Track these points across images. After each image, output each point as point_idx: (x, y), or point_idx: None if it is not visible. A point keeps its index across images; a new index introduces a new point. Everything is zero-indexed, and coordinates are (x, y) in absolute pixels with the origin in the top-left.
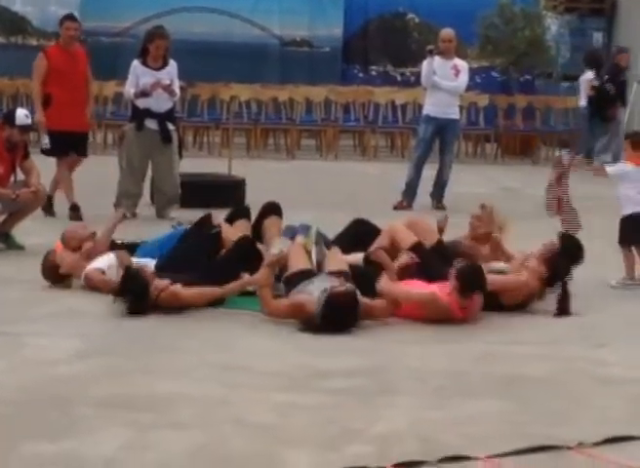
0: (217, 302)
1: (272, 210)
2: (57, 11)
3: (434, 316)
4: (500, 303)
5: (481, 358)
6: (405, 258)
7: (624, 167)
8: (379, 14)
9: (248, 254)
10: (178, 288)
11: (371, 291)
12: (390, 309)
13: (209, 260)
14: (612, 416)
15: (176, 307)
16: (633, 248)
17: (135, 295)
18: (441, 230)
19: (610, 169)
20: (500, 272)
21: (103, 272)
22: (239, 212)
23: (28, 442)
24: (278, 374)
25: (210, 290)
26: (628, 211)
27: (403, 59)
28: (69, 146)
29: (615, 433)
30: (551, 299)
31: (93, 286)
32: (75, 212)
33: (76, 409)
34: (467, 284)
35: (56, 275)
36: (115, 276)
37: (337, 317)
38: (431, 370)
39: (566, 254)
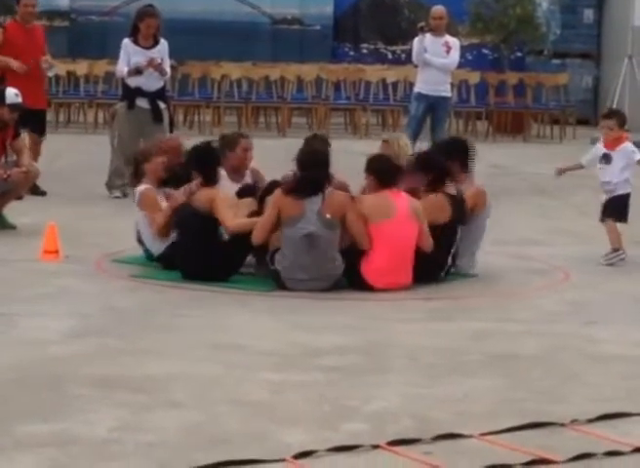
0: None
1: (275, 188)
2: None
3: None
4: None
5: (474, 336)
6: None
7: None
8: None
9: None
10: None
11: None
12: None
13: (211, 240)
14: (605, 393)
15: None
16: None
17: (207, 156)
18: None
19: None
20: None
21: (168, 197)
22: (245, 190)
23: (22, 422)
24: (272, 353)
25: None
26: (620, 191)
27: (394, 37)
28: (25, 124)
29: (608, 410)
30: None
31: (158, 228)
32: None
33: (70, 389)
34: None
35: (138, 176)
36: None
37: (311, 161)
38: (424, 348)
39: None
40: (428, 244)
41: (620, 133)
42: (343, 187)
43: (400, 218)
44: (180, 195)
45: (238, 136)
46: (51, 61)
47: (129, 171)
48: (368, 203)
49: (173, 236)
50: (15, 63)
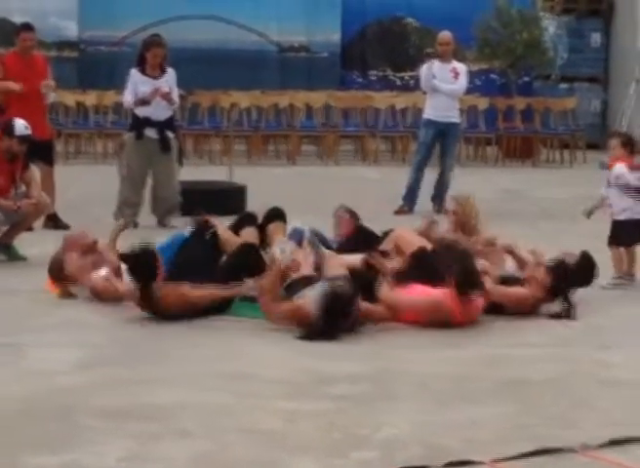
0: (221, 307)
1: (276, 215)
2: (56, 22)
3: (436, 321)
4: (504, 312)
5: (484, 361)
6: (395, 263)
7: (619, 170)
8: (376, 18)
9: (250, 261)
10: (184, 287)
11: (370, 294)
12: (390, 315)
13: (211, 266)
14: (616, 418)
15: (179, 308)
16: (622, 248)
17: (145, 266)
18: (430, 227)
19: (603, 190)
20: (508, 280)
21: (107, 279)
22: (245, 219)
23: (30, 453)
24: (282, 381)
25: (215, 290)
26: (621, 217)
27: (402, 64)
28: (33, 155)
29: (619, 435)
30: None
31: (98, 294)
32: (53, 221)
33: (78, 419)
34: (463, 282)
35: (60, 273)
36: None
37: (333, 313)
38: (434, 375)
39: (580, 273)
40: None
41: (621, 152)
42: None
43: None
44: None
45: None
46: (50, 85)
47: (138, 199)
48: (433, 312)
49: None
50: (14, 85)
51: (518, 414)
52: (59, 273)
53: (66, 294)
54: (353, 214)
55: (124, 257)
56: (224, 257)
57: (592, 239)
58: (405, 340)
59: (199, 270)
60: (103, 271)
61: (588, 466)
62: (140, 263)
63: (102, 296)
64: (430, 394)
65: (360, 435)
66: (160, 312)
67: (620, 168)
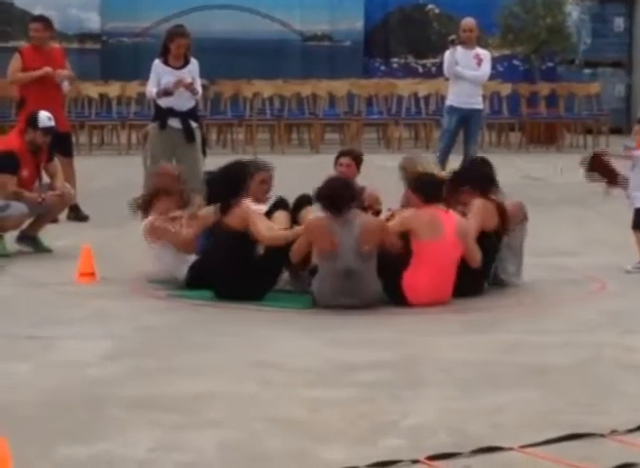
0: (257, 294)
1: (305, 202)
2: (78, 14)
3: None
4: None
5: (508, 348)
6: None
7: None
8: (398, 6)
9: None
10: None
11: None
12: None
13: (245, 258)
14: None
15: (237, 228)
16: None
17: (236, 179)
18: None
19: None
20: None
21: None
22: (278, 204)
23: (61, 444)
24: (307, 370)
25: (275, 227)
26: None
27: (424, 51)
28: (51, 147)
29: None
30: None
31: (157, 231)
32: (75, 212)
33: (108, 410)
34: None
35: (146, 207)
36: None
37: (329, 191)
38: (459, 362)
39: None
40: (477, 260)
41: None
42: (373, 198)
43: (446, 239)
44: (209, 214)
45: (254, 169)
46: (64, 75)
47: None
48: (415, 219)
49: (193, 257)
50: (37, 73)
51: (543, 400)
52: (145, 206)
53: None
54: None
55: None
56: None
57: (616, 224)
58: (427, 327)
59: (232, 262)
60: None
61: (618, 451)
62: (226, 180)
63: (159, 234)
64: (455, 380)
65: (387, 422)
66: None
67: None
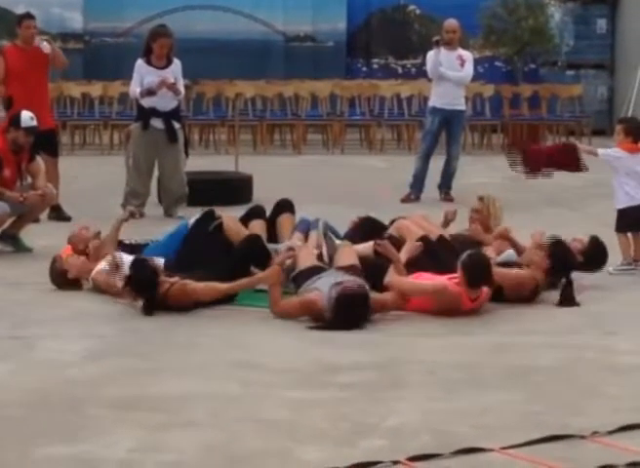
0: (226, 299)
1: (285, 207)
2: (61, 13)
3: (444, 307)
4: (504, 296)
5: (492, 349)
6: (411, 248)
7: (618, 152)
8: (380, 7)
9: (256, 253)
10: (187, 281)
11: (382, 283)
12: (400, 303)
13: (216, 258)
14: (625, 404)
15: (185, 304)
16: (630, 234)
17: (143, 284)
18: (447, 224)
19: (602, 151)
20: (508, 264)
21: (108, 274)
22: (253, 212)
23: (42, 444)
24: (289, 371)
25: (219, 284)
26: (622, 204)
27: (404, 51)
28: (36, 147)
29: (628, 421)
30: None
31: (100, 288)
32: (56, 212)
33: (88, 410)
34: (474, 275)
35: (64, 280)
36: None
37: (348, 316)
38: (442, 363)
39: (590, 258)
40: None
41: (626, 140)
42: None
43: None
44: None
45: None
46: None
47: (144, 190)
48: (435, 296)
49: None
50: None
51: (526, 402)
52: (63, 280)
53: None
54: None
55: (126, 278)
56: (232, 249)
57: (597, 225)
58: (411, 328)
59: (204, 262)
60: (104, 264)
61: (598, 452)
62: (141, 282)
63: (105, 291)
64: (438, 381)
65: (369, 424)
66: (165, 309)
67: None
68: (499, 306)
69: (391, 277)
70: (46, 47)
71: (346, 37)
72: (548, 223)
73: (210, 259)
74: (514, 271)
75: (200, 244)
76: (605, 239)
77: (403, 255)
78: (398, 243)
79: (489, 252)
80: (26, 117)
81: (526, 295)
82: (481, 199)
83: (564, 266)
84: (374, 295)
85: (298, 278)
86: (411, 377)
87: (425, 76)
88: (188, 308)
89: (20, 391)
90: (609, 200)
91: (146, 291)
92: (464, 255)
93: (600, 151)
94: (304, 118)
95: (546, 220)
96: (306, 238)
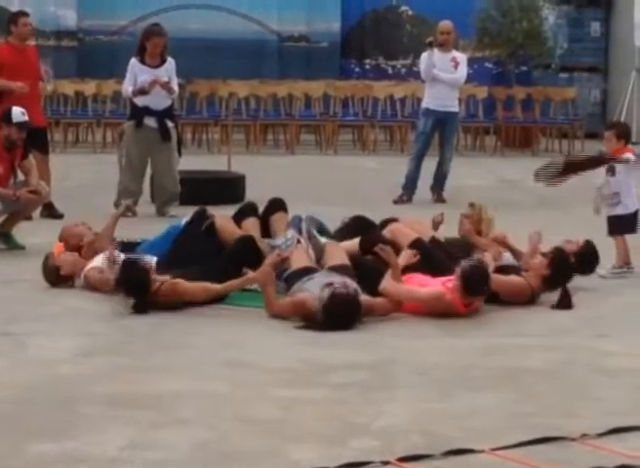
0: (217, 299)
1: (278, 206)
2: (55, 10)
3: (438, 312)
4: (499, 300)
5: (483, 351)
6: (408, 255)
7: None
8: (373, 7)
9: (249, 253)
10: (178, 280)
11: (372, 282)
12: (392, 308)
13: (209, 258)
14: (615, 407)
15: (175, 303)
16: (622, 237)
17: (134, 285)
18: (436, 227)
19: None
20: (507, 268)
21: (102, 271)
22: (246, 209)
23: (32, 441)
24: (280, 370)
25: (210, 285)
26: (631, 209)
27: (396, 52)
28: (28, 144)
29: (618, 424)
30: (552, 294)
31: (92, 285)
32: (49, 209)
33: (80, 408)
34: (472, 286)
35: (57, 277)
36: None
37: (339, 318)
38: (433, 364)
39: (582, 261)
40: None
41: (619, 145)
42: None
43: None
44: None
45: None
46: (50, 73)
47: (137, 189)
48: (427, 304)
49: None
50: (15, 85)
51: (517, 403)
52: (56, 277)
53: (70, 287)
54: None
55: (117, 279)
56: (225, 249)
57: (588, 228)
58: (404, 329)
59: (196, 262)
60: (99, 260)
61: (588, 455)
62: (132, 282)
63: (98, 289)
64: (430, 383)
65: (359, 423)
66: (155, 307)
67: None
68: (491, 308)
69: (388, 283)
70: (49, 88)
71: (341, 37)
72: (540, 225)
73: (202, 259)
74: (511, 279)
75: (192, 244)
76: (599, 241)
77: (400, 262)
78: (394, 247)
79: (487, 258)
80: (17, 113)
81: (521, 302)
82: (472, 205)
83: (563, 276)
84: (364, 299)
85: (290, 278)
86: (402, 378)
87: (415, 76)
88: (177, 307)
89: (10, 388)
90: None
91: (137, 291)
92: (466, 264)
93: (630, 156)
94: (298, 118)
95: (537, 222)
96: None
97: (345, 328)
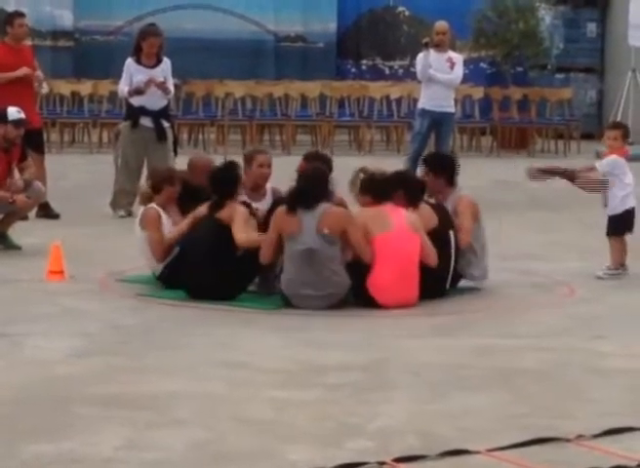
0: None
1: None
2: (51, 11)
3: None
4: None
5: (478, 351)
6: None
7: (617, 160)
8: (369, 8)
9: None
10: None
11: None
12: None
13: (227, 253)
14: (610, 408)
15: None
16: (619, 237)
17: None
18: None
19: (599, 164)
20: None
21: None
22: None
23: (28, 442)
24: (275, 371)
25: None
26: (619, 210)
27: (392, 53)
28: (24, 145)
29: (614, 424)
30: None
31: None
32: (45, 210)
33: (75, 408)
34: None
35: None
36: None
37: (305, 188)
38: (428, 365)
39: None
40: (432, 257)
41: (622, 144)
42: (341, 204)
43: (399, 231)
44: (202, 211)
45: (254, 153)
46: (42, 78)
47: (133, 188)
48: (365, 216)
49: (170, 258)
50: (15, 74)
51: (512, 404)
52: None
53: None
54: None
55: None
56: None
57: (583, 228)
58: (396, 330)
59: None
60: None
61: (583, 456)
62: (222, 178)
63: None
64: (424, 383)
65: (354, 424)
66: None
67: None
68: (485, 308)
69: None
70: (44, 90)
71: (337, 38)
72: (534, 226)
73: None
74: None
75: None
76: (589, 243)
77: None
78: None
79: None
80: (12, 111)
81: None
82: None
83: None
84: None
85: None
86: (397, 379)
87: (412, 77)
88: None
89: (6, 388)
90: (594, 204)
91: (226, 187)
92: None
93: (598, 165)
94: (294, 118)
95: (532, 223)
96: None
97: (312, 198)
